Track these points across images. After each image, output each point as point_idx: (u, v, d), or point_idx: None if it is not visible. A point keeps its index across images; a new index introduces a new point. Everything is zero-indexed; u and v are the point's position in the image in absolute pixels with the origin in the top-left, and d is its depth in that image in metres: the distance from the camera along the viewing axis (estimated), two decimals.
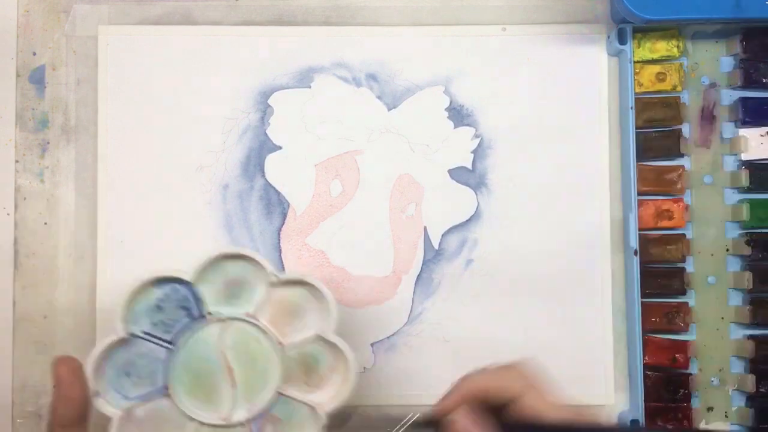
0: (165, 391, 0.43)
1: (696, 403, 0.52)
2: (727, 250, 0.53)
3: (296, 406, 0.44)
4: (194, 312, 0.43)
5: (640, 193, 0.52)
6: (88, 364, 0.41)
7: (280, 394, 0.43)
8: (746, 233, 0.52)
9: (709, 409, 0.52)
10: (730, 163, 0.53)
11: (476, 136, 0.53)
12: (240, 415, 0.43)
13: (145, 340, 0.43)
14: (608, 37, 0.53)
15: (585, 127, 0.53)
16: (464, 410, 0.40)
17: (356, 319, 0.52)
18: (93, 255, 0.52)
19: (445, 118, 0.53)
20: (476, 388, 0.40)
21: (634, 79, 0.52)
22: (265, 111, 0.53)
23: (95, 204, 0.52)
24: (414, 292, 0.53)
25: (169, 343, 0.43)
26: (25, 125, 0.53)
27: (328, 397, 0.44)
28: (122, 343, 0.42)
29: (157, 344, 0.43)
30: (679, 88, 0.52)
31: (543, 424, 0.38)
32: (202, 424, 0.43)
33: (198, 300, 0.43)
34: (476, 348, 0.52)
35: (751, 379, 0.51)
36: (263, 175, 0.53)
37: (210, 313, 0.43)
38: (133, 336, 0.43)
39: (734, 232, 0.53)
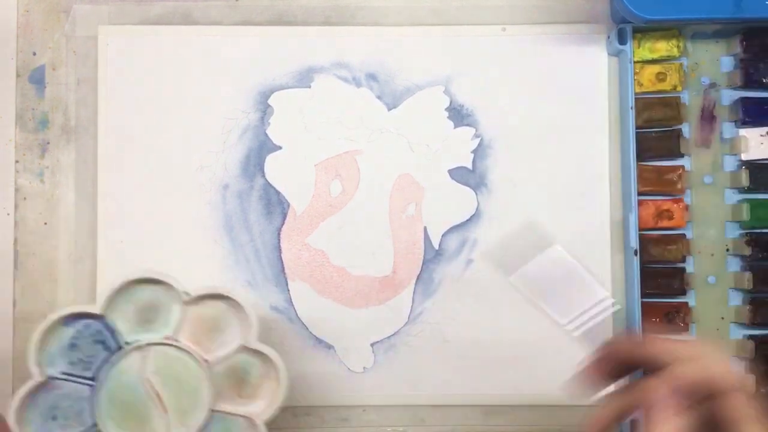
0: (95, 429, 0.43)
1: None
2: (727, 250, 0.53)
3: (233, 420, 0.44)
4: (111, 344, 0.43)
5: (640, 193, 0.52)
6: (9, 414, 0.41)
7: (215, 411, 0.44)
8: (746, 233, 0.52)
9: None
10: (730, 163, 0.53)
11: (476, 136, 0.53)
12: None
13: (65, 380, 0.42)
14: (608, 37, 0.53)
15: (585, 127, 0.53)
16: (665, 393, 0.33)
17: (356, 319, 0.52)
18: (93, 255, 0.52)
19: (445, 118, 0.53)
20: (678, 378, 0.34)
21: (634, 79, 0.52)
22: (265, 111, 0.53)
23: (95, 204, 0.52)
24: (414, 292, 0.53)
25: (91, 379, 0.43)
26: (25, 125, 0.53)
27: (263, 405, 0.44)
28: (42, 387, 0.42)
29: (78, 383, 0.42)
30: (679, 88, 0.52)
31: None
32: None
33: (112, 331, 0.43)
34: (476, 348, 0.52)
35: (750, 378, 0.51)
36: (263, 175, 0.53)
37: (128, 343, 0.43)
38: (52, 378, 0.42)
39: (734, 232, 0.53)
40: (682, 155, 0.52)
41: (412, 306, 0.53)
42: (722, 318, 0.52)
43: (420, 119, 0.53)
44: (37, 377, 0.42)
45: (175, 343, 0.44)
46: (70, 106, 0.53)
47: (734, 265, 0.53)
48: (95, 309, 0.43)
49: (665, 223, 0.52)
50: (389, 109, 0.53)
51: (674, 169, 0.52)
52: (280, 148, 0.53)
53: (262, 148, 0.53)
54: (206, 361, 0.44)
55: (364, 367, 0.52)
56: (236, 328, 0.44)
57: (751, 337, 0.52)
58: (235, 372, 0.44)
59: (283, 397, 0.44)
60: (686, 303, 0.52)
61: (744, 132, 0.52)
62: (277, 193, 0.53)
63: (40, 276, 0.52)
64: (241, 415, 0.44)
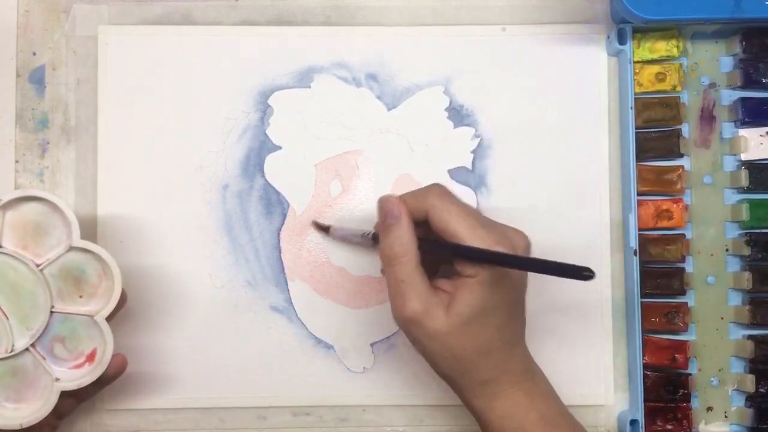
0: None
1: (695, 403, 0.52)
2: (727, 250, 0.53)
3: (76, 319, 0.45)
4: None
5: (639, 193, 0.52)
6: None
7: (55, 312, 0.45)
8: (746, 233, 0.52)
9: (709, 409, 0.52)
10: (729, 163, 0.53)
11: (476, 136, 0.53)
12: (22, 342, 0.45)
13: None
14: (608, 37, 0.53)
15: (585, 128, 0.53)
16: (391, 195, 0.43)
17: (356, 319, 0.52)
18: None
19: (444, 118, 0.53)
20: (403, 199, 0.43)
21: (634, 79, 0.52)
22: (264, 111, 0.53)
23: (95, 204, 0.52)
24: None
25: None
26: (25, 125, 0.53)
27: (102, 303, 0.45)
28: None
29: None
30: (678, 88, 0.52)
31: (448, 243, 0.42)
32: None
33: None
34: None
35: (750, 379, 0.51)
36: (263, 175, 0.53)
37: None
38: None
39: (734, 232, 0.53)
40: (681, 155, 0.52)
41: None
42: (722, 318, 0.52)
43: (420, 119, 0.53)
44: None
45: (0, 250, 0.45)
46: (70, 106, 0.53)
47: (734, 265, 0.53)
48: None
49: (665, 223, 0.52)
50: (389, 109, 0.53)
51: (674, 169, 0.52)
52: (280, 148, 0.53)
53: (262, 148, 0.53)
54: (37, 264, 0.45)
55: (363, 367, 0.52)
56: (62, 229, 0.45)
57: (750, 337, 0.52)
58: (70, 272, 0.45)
59: (117, 292, 0.45)
60: (686, 303, 0.52)
61: (743, 132, 0.52)
62: (277, 193, 0.53)
63: None
64: (81, 314, 0.45)
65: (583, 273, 0.37)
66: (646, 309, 0.51)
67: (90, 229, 0.52)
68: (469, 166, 0.53)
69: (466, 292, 0.41)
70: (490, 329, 0.42)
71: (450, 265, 0.43)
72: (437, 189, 0.43)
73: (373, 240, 0.47)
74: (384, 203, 0.43)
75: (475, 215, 0.42)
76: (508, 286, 0.42)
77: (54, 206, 0.45)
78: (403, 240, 0.42)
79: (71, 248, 0.45)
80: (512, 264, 0.41)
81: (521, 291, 0.44)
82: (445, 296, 0.42)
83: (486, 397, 0.43)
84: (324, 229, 0.52)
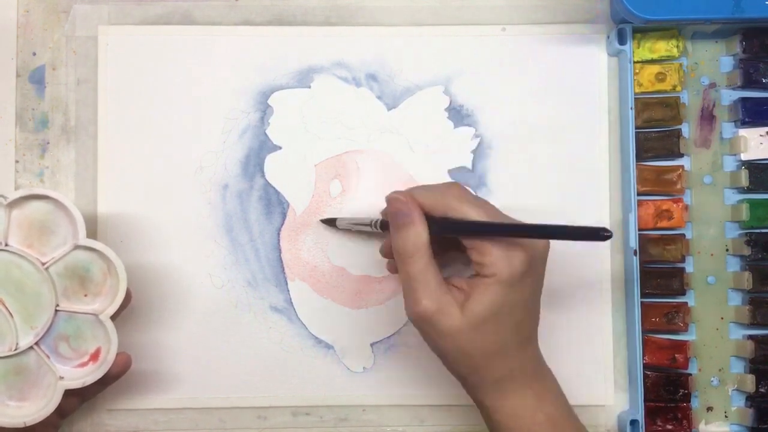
0: None
1: (696, 403, 0.52)
2: (727, 250, 0.53)
3: (81, 318, 0.45)
4: None
5: (639, 194, 0.52)
6: None
7: (60, 311, 0.45)
8: (746, 233, 0.52)
9: (709, 409, 0.52)
10: (729, 163, 0.53)
11: (476, 136, 0.53)
12: (26, 340, 0.45)
13: None
14: (608, 37, 0.53)
15: (585, 128, 0.53)
16: (401, 193, 0.43)
17: (356, 319, 0.52)
18: None
19: (445, 118, 0.53)
20: (416, 196, 0.43)
21: (634, 79, 0.52)
22: (265, 111, 0.53)
23: (95, 203, 0.52)
24: None
25: None
26: (25, 125, 0.53)
27: (107, 302, 0.45)
28: None
29: None
30: (678, 88, 0.52)
31: (463, 222, 0.42)
32: None
33: None
34: None
35: (750, 379, 0.51)
36: (263, 175, 0.53)
37: None
38: None
39: (734, 232, 0.53)
40: (681, 155, 0.52)
41: None
42: (722, 318, 0.52)
43: (420, 119, 0.53)
44: None
45: (6, 248, 0.45)
46: (70, 106, 0.53)
47: (734, 265, 0.53)
48: None
49: (665, 223, 0.52)
50: (389, 109, 0.53)
51: (674, 169, 0.52)
52: (280, 148, 0.53)
53: (261, 148, 0.53)
54: (42, 263, 0.45)
55: (363, 367, 0.52)
56: (67, 228, 0.45)
57: (750, 337, 0.52)
58: (75, 271, 0.45)
59: (123, 290, 0.45)
60: (686, 303, 0.52)
61: (743, 132, 0.52)
62: (277, 193, 0.53)
63: None
64: (85, 313, 0.45)
65: (600, 233, 0.37)
66: (646, 309, 0.51)
67: (90, 229, 0.52)
68: (469, 166, 0.53)
69: (483, 291, 0.40)
70: (504, 328, 0.41)
71: (467, 266, 0.42)
72: (456, 190, 0.43)
73: (381, 228, 0.47)
74: (393, 202, 0.43)
75: (496, 215, 0.42)
76: (526, 285, 0.41)
77: (60, 205, 0.45)
78: (415, 238, 0.41)
79: (77, 247, 0.45)
80: (528, 232, 0.41)
81: (538, 288, 0.43)
82: (460, 295, 0.41)
83: (496, 396, 0.42)
84: (330, 222, 0.52)
